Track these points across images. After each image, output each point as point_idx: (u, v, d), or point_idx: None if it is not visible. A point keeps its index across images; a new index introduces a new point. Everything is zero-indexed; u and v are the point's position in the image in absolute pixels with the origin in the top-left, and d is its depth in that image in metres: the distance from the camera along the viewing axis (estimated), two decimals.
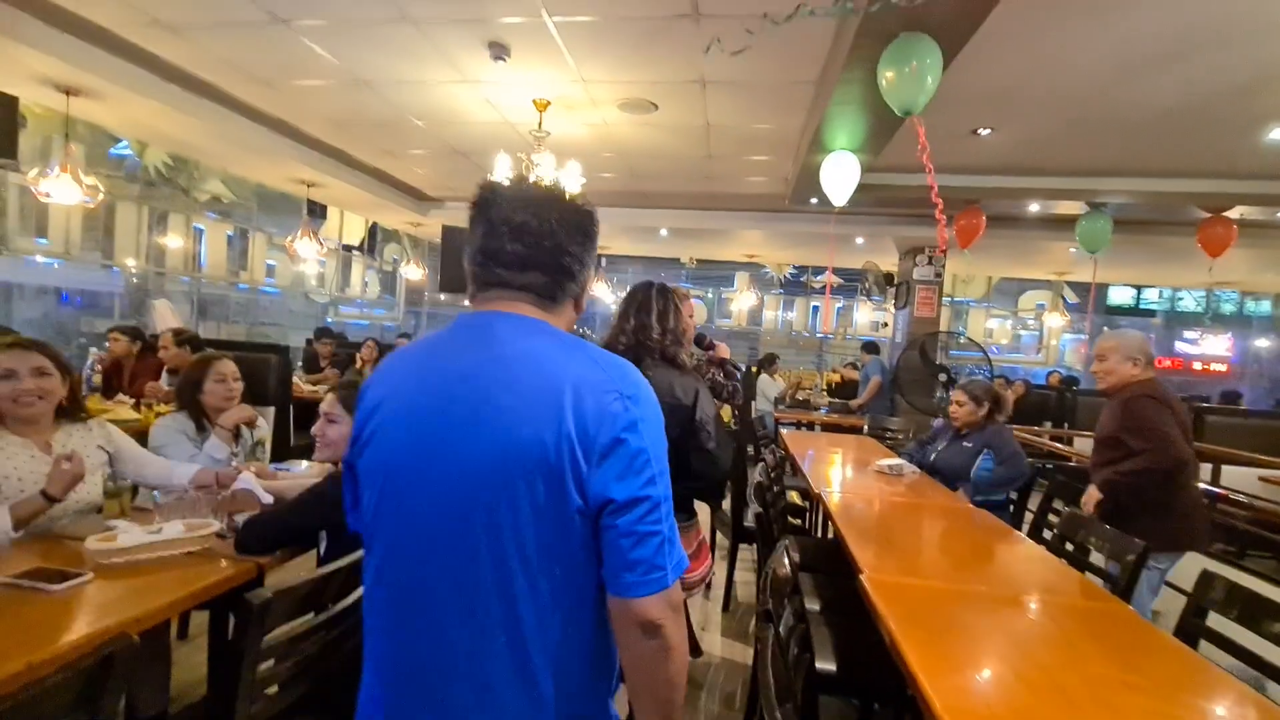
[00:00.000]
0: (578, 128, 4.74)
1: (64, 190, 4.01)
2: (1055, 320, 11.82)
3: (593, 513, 0.79)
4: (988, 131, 4.35)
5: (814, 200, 5.41)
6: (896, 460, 3.35)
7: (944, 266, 7.14)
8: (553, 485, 0.78)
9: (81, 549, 1.57)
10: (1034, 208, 5.90)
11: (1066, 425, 6.78)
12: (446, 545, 0.80)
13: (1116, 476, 2.46)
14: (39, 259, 6.09)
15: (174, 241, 6.68)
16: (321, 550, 1.81)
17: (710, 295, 12.15)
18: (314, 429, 1.91)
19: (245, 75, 4.27)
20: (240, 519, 1.83)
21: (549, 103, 4.16)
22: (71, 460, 1.80)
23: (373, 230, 8.43)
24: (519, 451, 0.77)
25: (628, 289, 2.00)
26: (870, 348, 7.43)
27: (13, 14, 3.38)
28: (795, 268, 10.72)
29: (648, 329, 1.86)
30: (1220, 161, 4.64)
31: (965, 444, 3.20)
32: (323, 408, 1.90)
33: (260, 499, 2.05)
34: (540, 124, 4.20)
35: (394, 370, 0.90)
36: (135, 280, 6.91)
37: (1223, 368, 14.58)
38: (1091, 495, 2.53)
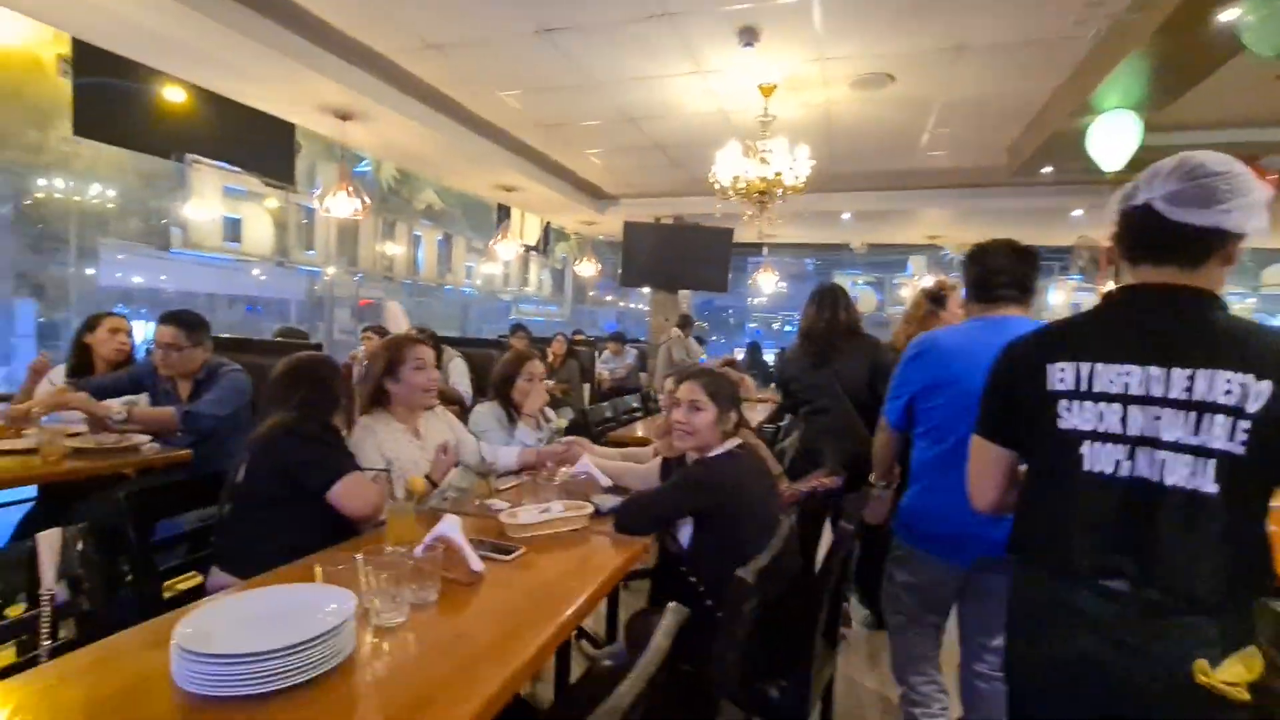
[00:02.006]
0: (794, 110, 4.60)
1: (341, 206, 4.53)
2: None
3: None
4: None
5: (1046, 170, 4.89)
6: None
7: None
8: None
9: (499, 524, 1.72)
10: None
11: None
12: None
13: None
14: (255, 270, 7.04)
15: (397, 248, 7.43)
16: (684, 537, 1.82)
17: (881, 279, 11.53)
18: (676, 416, 1.90)
19: (480, 87, 4.58)
20: (604, 502, 1.93)
21: (775, 86, 4.06)
22: (447, 452, 2.06)
23: (546, 230, 8.89)
24: None
25: (812, 289, 2.81)
26: None
27: (307, 46, 3.74)
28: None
29: (836, 316, 2.67)
30: None
31: None
32: (687, 396, 1.88)
33: (599, 482, 2.15)
34: (766, 109, 4.10)
35: (955, 341, 1.66)
36: (316, 288, 7.76)
37: None
38: None
